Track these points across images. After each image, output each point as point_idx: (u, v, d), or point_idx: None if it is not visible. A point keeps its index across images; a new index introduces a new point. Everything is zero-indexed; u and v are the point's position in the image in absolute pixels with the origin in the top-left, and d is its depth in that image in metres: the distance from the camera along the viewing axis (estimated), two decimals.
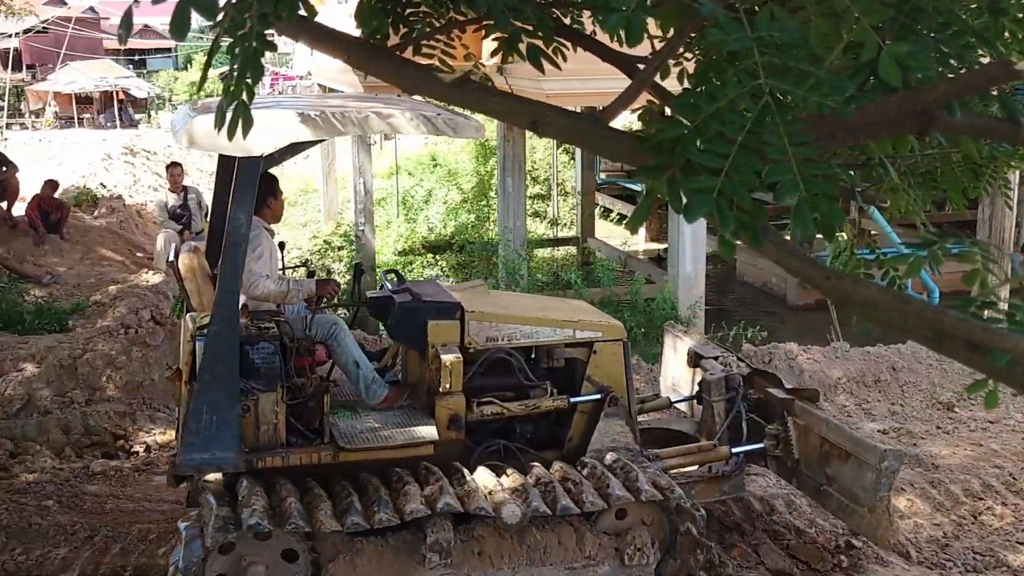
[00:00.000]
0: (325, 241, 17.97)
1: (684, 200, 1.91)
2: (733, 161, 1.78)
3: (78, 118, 39.94)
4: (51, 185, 13.17)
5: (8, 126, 35.51)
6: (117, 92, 41.39)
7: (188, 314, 5.27)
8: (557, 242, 21.54)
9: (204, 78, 3.49)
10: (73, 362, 9.20)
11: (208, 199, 13.97)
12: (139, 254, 13.89)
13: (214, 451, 4.74)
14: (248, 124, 2.16)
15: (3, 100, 39.80)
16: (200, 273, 5.24)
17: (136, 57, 52.33)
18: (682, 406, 6.73)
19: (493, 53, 3.16)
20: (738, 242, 1.92)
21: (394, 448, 5.08)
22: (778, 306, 17.03)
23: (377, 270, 16.75)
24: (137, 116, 42.63)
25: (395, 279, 5.63)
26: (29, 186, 13.88)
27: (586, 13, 2.90)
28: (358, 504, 4.73)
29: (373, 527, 4.60)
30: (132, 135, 33.23)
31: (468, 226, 20.79)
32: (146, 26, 52.66)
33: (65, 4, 46.36)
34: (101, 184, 17.75)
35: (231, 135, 2.13)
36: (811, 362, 9.96)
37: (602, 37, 2.50)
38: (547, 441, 5.57)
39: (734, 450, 5.89)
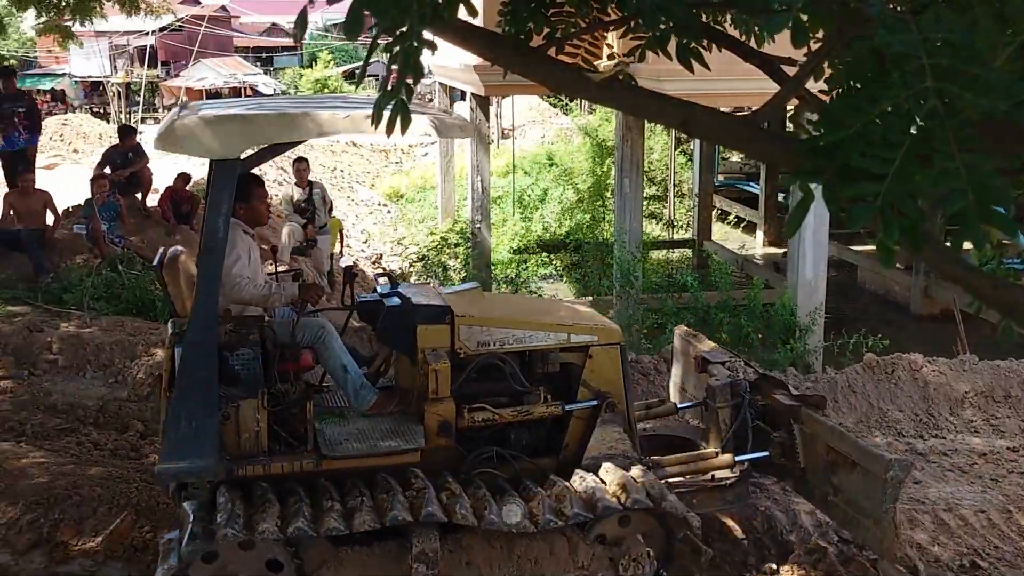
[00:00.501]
0: (442, 238, 18.18)
1: (841, 204, 1.86)
2: (898, 167, 1.72)
3: None
4: (183, 178, 13.67)
5: (143, 120, 36.97)
6: (245, 88, 42.76)
7: (170, 320, 5.22)
8: (672, 244, 21.34)
9: (363, 75, 3.81)
10: None
11: (332, 195, 14.35)
12: (264, 246, 14.28)
13: (193, 459, 4.62)
14: (406, 123, 2.19)
15: (139, 95, 41.49)
16: (184, 278, 5.14)
17: (264, 55, 53.89)
18: (691, 413, 6.56)
19: (630, 53, 3.14)
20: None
21: (379, 456, 4.93)
22: (900, 315, 16.53)
23: (492, 268, 16.90)
24: None
25: (387, 282, 5.50)
26: (162, 179, 14.42)
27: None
28: (339, 510, 4.61)
29: (353, 532, 4.49)
30: None
31: (583, 226, 20.76)
32: (274, 24, 54.16)
33: (199, 3, 48.03)
34: None
35: (389, 132, 2.16)
36: (936, 374, 9.62)
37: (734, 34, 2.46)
38: (543, 448, 5.41)
39: (738, 458, 5.73)
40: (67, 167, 21.42)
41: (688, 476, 5.66)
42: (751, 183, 23.30)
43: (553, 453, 5.36)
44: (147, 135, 14.58)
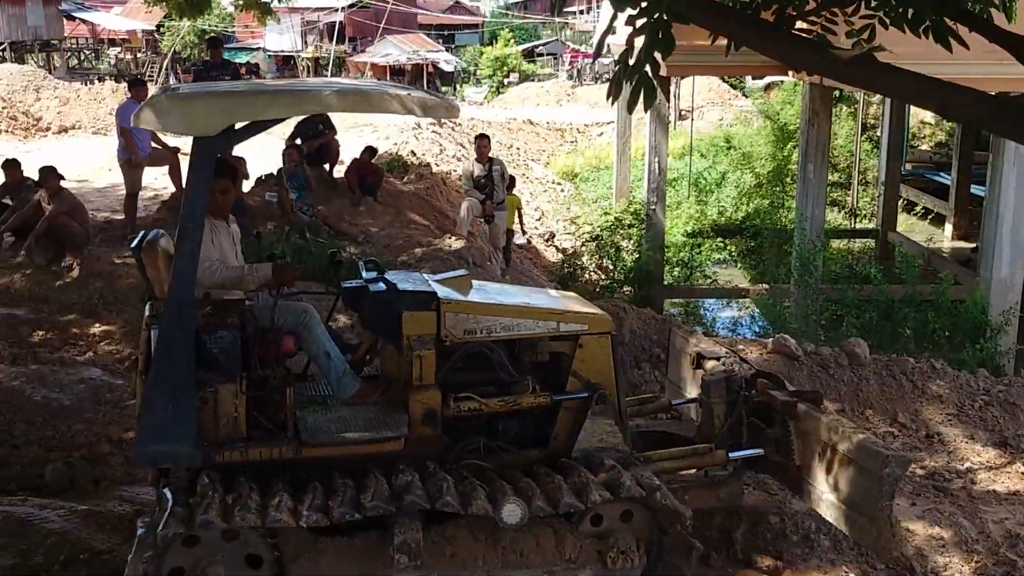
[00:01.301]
0: (616, 218, 18.08)
1: None
2: None
3: None
4: (370, 151, 14.12)
5: None
6: (427, 65, 43.68)
7: (148, 303, 5.13)
8: (854, 234, 20.57)
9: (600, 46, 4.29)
10: None
11: (511, 171, 14.50)
12: (444, 220, 14.61)
13: (169, 444, 4.50)
14: (651, 97, 2.16)
15: (327, 70, 43.03)
16: (163, 260, 5.02)
17: (446, 32, 54.88)
18: (689, 410, 6.31)
19: (862, 30, 3.01)
20: None
21: (360, 444, 4.78)
22: None
23: (666, 250, 16.71)
24: (443, 88, 44.74)
25: (374, 267, 5.32)
26: (347, 151, 14.93)
27: None
28: (320, 500, 4.48)
29: (333, 522, 4.37)
30: None
31: (761, 212, 20.25)
32: (456, 2, 55.05)
33: None
34: (412, 152, 18.78)
35: (631, 107, 2.15)
36: None
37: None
38: (531, 439, 5.25)
39: (732, 454, 5.57)
40: (259, 137, 22.38)
41: (680, 472, 5.59)
42: (941, 173, 22.13)
43: (542, 444, 5.22)
44: None
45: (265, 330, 4.79)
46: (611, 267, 16.63)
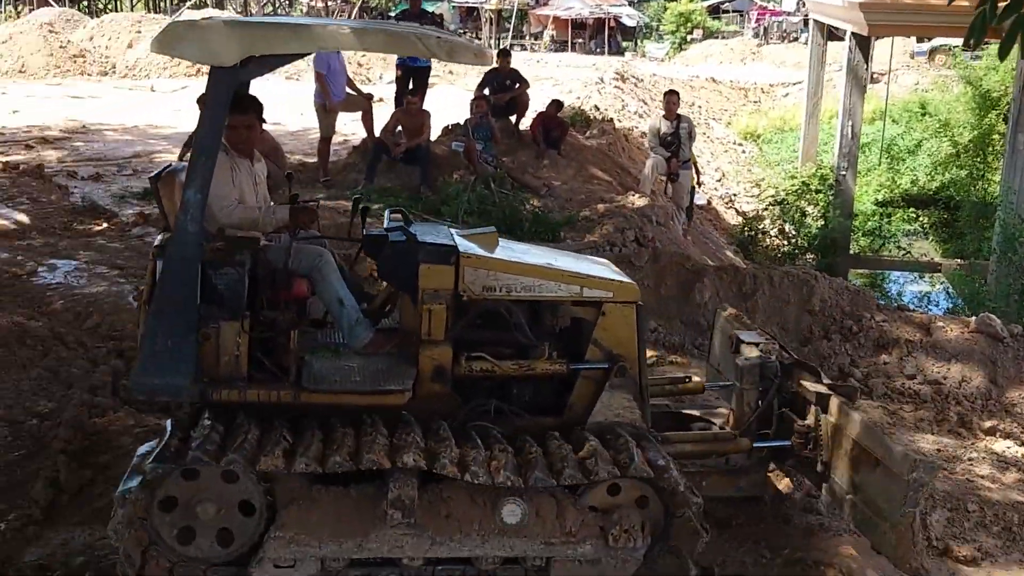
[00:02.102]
0: (803, 182, 17.51)
1: None
2: None
3: (571, 42, 42.30)
4: (556, 105, 14.07)
5: (511, 47, 38.40)
6: (609, 20, 43.20)
7: (161, 235, 5.03)
8: None
9: None
10: None
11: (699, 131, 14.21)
12: (626, 177, 14.46)
13: (167, 377, 4.43)
14: None
15: (509, 22, 43.17)
16: (179, 192, 4.88)
17: None
18: (728, 396, 5.93)
19: None
20: None
21: (360, 394, 4.66)
22: None
23: (854, 218, 16.06)
24: (624, 44, 44.24)
25: (400, 218, 5.14)
26: (536, 104, 14.90)
27: None
28: (316, 448, 4.37)
29: (325, 471, 4.26)
30: (619, 62, 34.58)
31: (958, 183, 19.19)
32: None
33: None
34: (595, 107, 18.66)
35: (1003, 54, 1.96)
36: None
37: None
38: (546, 407, 5.01)
39: (756, 444, 5.30)
40: (442, 87, 22.69)
41: (701, 456, 5.37)
42: None
43: (556, 413, 4.99)
44: (514, 60, 15.06)
45: (276, 271, 4.74)
46: (794, 233, 16.12)
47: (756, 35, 44.94)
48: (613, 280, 5.03)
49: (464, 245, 4.83)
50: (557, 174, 13.22)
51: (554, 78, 24.54)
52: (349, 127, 14.85)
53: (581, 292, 4.92)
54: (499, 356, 4.83)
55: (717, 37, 44.59)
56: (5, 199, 11.60)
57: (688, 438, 5.35)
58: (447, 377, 4.72)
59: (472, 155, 12.40)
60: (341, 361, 4.83)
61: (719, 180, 20.00)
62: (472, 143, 12.51)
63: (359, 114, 13.26)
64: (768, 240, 15.89)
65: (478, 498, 4.41)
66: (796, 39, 42.07)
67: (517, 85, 13.98)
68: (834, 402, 5.07)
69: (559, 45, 42.76)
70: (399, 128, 12.77)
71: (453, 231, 5.07)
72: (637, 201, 12.00)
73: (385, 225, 5.04)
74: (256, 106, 5.18)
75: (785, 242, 15.90)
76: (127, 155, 14.98)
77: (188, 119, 18.29)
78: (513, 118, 14.18)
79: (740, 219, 17.21)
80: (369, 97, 13.35)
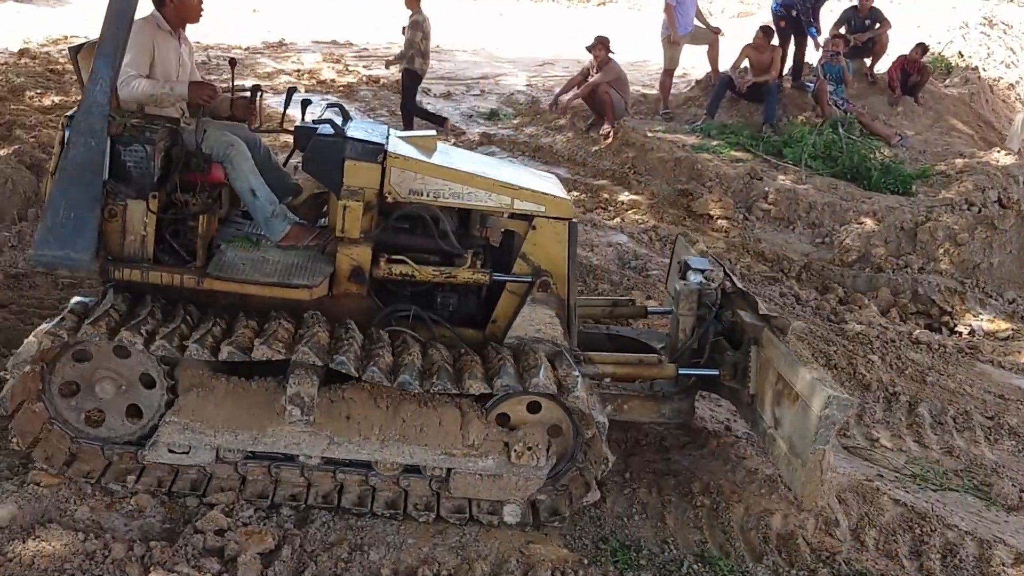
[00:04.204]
0: None
1: None
2: None
3: None
4: (921, 48, 12.94)
5: None
6: None
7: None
8: None
9: None
10: (914, 227, 9.18)
11: None
12: (989, 132, 13.26)
13: (68, 250, 4.35)
14: None
15: None
16: None
17: None
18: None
19: None
20: None
21: (264, 285, 4.51)
22: None
23: None
24: None
25: (342, 115, 4.87)
26: (896, 46, 13.91)
27: None
28: (213, 336, 4.29)
29: (218, 359, 4.18)
30: (987, 5, 31.52)
31: None
32: None
33: None
34: (958, 53, 17.16)
35: None
36: None
37: None
38: (471, 319, 4.92)
39: (682, 371, 5.11)
40: None
41: (624, 380, 5.17)
42: None
43: (480, 326, 4.88)
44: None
45: (191, 154, 4.62)
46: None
47: None
48: (547, 194, 4.89)
49: (395, 145, 4.79)
50: (911, 123, 12.30)
51: (916, 20, 22.75)
52: (691, 60, 14.61)
53: (512, 204, 4.81)
54: (422, 263, 4.78)
55: None
56: (367, 110, 12.44)
57: (610, 359, 5.17)
58: (364, 278, 4.67)
59: (822, 96, 11.82)
60: (256, 253, 4.79)
61: None
62: (823, 83, 11.92)
63: (706, 47, 13.01)
64: None
65: (380, 402, 4.41)
66: None
67: (878, 25, 13.09)
68: (766, 334, 4.78)
69: None
70: (745, 63, 12.40)
71: (393, 132, 5.05)
72: (1002, 158, 10.94)
73: (319, 118, 4.93)
74: None
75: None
76: (475, 76, 15.61)
77: (534, 45, 18.78)
78: (868, 60, 13.33)
79: None
80: (716, 31, 13.03)
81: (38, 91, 11.63)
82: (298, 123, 4.96)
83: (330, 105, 5.18)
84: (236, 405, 4.40)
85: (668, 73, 12.88)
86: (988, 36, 20.38)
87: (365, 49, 17.37)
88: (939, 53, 16.82)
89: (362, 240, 4.64)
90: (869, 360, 6.98)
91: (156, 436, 4.41)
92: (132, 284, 4.53)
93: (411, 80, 11.26)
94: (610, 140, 11.33)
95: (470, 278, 4.78)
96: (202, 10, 5.08)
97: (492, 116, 13.05)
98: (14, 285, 6.52)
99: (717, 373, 5.05)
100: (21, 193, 7.87)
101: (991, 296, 8.66)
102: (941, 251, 8.96)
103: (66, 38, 15.10)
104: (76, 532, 4.03)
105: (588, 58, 11.78)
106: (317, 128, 4.77)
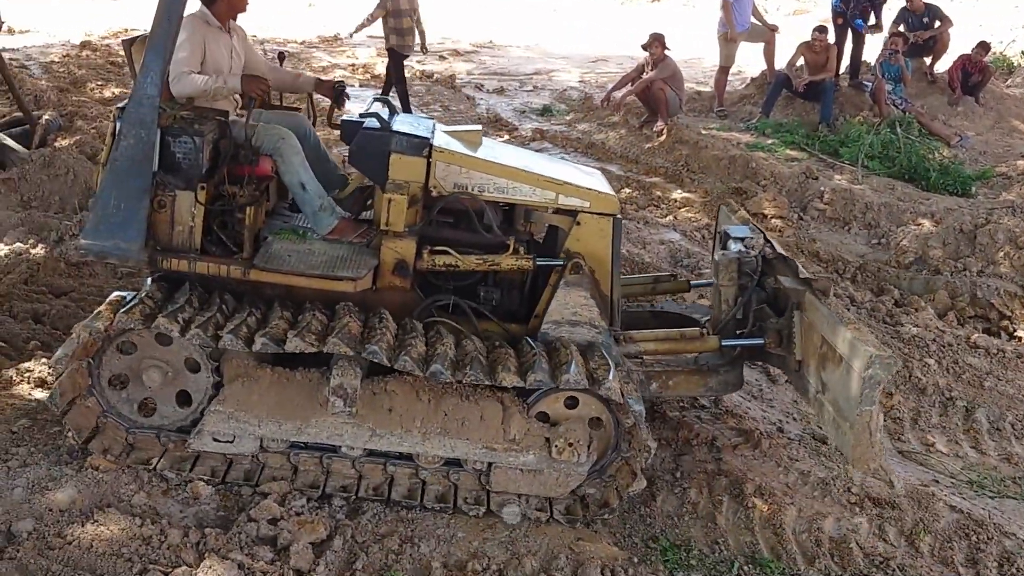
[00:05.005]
0: None
1: None
2: None
3: None
4: (983, 47, 12.69)
5: None
6: None
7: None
8: None
9: None
10: (973, 230, 9.01)
11: None
12: None
13: (116, 240, 4.40)
14: None
15: None
16: None
17: None
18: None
19: None
20: None
21: (309, 277, 4.54)
22: None
23: None
24: None
25: (387, 109, 4.85)
26: (958, 45, 13.67)
27: None
28: (248, 326, 4.34)
29: (251, 350, 4.23)
30: None
31: None
32: None
33: None
34: (1021, 52, 16.83)
35: None
36: None
37: None
38: (515, 313, 4.90)
39: (725, 342, 5.07)
40: None
41: (666, 354, 5.16)
42: None
43: (525, 320, 4.85)
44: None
45: (240, 147, 4.67)
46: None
47: None
48: (592, 190, 4.88)
49: (441, 139, 4.80)
50: (972, 123, 12.06)
51: (979, 19, 22.36)
52: (746, 57, 14.47)
53: (556, 199, 4.82)
54: (467, 255, 4.78)
55: None
56: (421, 105, 12.49)
57: (651, 336, 5.15)
58: (408, 271, 4.68)
59: (880, 95, 11.65)
60: (303, 245, 4.82)
61: None
62: (881, 82, 11.75)
63: (762, 45, 12.88)
64: None
65: (423, 395, 4.44)
66: None
67: (938, 23, 12.87)
68: (808, 298, 4.72)
69: None
70: (801, 62, 12.27)
71: (439, 126, 5.03)
72: None
73: (365, 111, 4.95)
74: None
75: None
76: (528, 72, 15.60)
77: (587, 41, 18.73)
78: (928, 59, 13.11)
79: None
80: (774, 28, 12.90)
81: (99, 83, 11.85)
82: (344, 118, 5.01)
83: (376, 98, 5.19)
84: (280, 395, 4.44)
85: (724, 70, 12.77)
86: None
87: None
88: (1001, 52, 16.50)
89: (406, 234, 4.67)
90: (925, 364, 6.87)
91: (201, 424, 4.48)
92: (178, 274, 4.60)
93: (392, 60, 11.44)
94: (663, 137, 11.26)
95: (513, 264, 4.78)
96: (240, 8, 5.12)
97: (545, 112, 13.04)
98: (75, 273, 6.65)
99: (762, 342, 5.01)
100: (82, 183, 8.03)
101: None
102: (1001, 254, 8.76)
103: (126, 30, 15.34)
104: (133, 517, 4.12)
105: (641, 55, 11.72)
106: (364, 122, 4.79)
